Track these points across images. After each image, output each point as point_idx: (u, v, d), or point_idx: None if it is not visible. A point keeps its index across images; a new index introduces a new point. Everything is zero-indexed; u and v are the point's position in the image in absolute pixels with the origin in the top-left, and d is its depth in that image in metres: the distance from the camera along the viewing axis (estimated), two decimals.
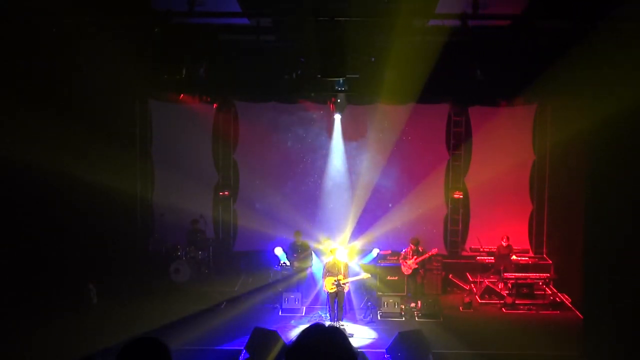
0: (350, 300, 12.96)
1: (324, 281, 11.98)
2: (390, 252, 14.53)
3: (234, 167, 16.02)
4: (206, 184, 15.94)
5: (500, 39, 10.13)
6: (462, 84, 10.79)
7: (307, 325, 2.61)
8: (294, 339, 2.55)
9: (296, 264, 13.87)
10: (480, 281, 14.04)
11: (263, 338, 10.10)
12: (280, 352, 9.65)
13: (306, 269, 13.97)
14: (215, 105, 15.47)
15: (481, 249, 14.67)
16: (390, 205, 15.59)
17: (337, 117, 14.81)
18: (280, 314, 12.78)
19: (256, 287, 14.21)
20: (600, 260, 10.16)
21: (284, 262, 13.87)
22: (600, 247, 10.22)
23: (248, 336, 10.30)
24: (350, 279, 12.08)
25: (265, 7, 9.94)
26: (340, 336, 2.52)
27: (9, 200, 10.78)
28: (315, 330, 2.55)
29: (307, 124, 15.64)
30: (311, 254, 14.15)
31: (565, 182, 14.07)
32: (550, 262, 14.45)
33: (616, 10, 8.79)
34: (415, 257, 13.23)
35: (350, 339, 2.97)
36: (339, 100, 13.37)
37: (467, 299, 13.48)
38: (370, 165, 15.58)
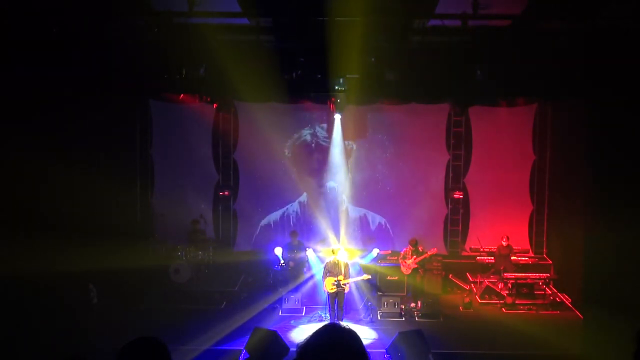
0: (350, 300, 12.95)
1: (324, 281, 11.97)
2: (390, 252, 14.55)
3: (234, 167, 16.01)
4: (206, 184, 15.94)
5: (500, 39, 10.12)
6: (462, 84, 10.78)
7: (322, 324, 2.55)
8: (307, 338, 2.47)
9: (291, 264, 13.94)
10: (480, 281, 14.04)
11: (263, 338, 10.09)
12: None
13: (302, 269, 14.00)
14: (215, 105, 15.44)
15: (481, 249, 14.67)
16: (390, 204, 15.59)
17: (337, 117, 14.80)
18: (280, 314, 12.78)
19: (256, 287, 14.25)
20: (600, 260, 10.15)
21: (282, 262, 13.89)
22: (600, 247, 10.21)
23: (248, 336, 10.30)
24: (350, 280, 12.08)
25: (264, 7, 9.92)
26: (354, 338, 2.46)
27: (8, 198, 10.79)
28: (329, 330, 2.49)
29: (307, 124, 15.65)
30: (306, 255, 14.16)
31: (565, 182, 14.06)
32: (550, 262, 14.45)
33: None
34: (414, 257, 13.22)
35: None
36: (339, 100, 13.35)
37: (467, 299, 13.48)
38: (370, 165, 15.59)
